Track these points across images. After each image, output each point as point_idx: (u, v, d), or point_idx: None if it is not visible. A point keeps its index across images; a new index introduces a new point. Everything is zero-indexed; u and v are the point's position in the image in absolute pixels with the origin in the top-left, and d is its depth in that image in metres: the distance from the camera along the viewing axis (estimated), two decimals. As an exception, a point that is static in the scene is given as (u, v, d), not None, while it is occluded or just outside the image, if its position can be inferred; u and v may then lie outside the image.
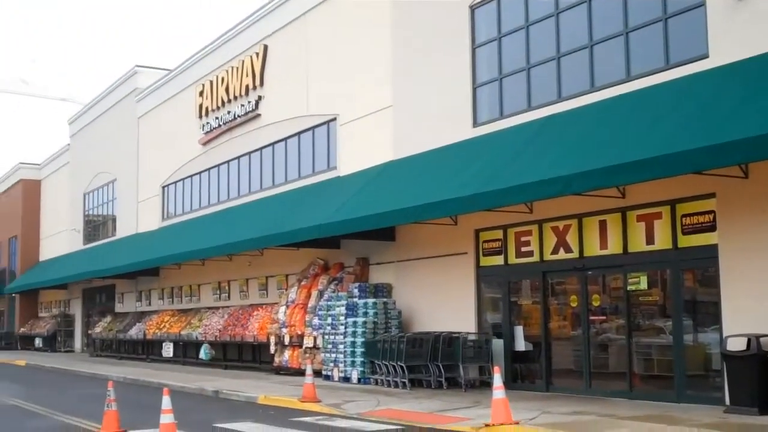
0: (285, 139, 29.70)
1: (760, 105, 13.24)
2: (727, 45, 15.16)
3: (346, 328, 22.86)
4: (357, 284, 23.69)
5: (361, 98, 25.26)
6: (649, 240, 16.80)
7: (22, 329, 58.13)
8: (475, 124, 21.00)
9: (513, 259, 20.08)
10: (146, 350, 38.59)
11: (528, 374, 19.91)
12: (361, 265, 25.06)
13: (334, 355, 23.27)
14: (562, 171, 15.71)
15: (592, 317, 18.13)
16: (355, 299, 23.11)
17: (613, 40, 17.63)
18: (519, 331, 19.87)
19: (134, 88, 43.02)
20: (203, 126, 34.99)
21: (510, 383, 18.23)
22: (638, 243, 17.02)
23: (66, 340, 52.26)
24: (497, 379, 14.10)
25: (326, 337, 23.69)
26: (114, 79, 47.02)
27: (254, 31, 31.59)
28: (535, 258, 19.38)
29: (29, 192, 60.34)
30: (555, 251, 18.87)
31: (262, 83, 30.90)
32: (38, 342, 53.89)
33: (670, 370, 16.38)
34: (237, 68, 32.40)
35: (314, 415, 16.69)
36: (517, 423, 13.69)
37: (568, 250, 18.53)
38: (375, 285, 23.80)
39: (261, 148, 31.25)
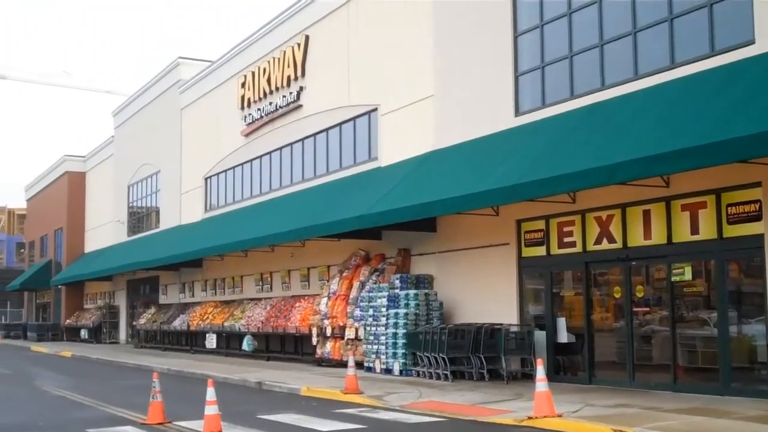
0: (326, 130, 29.71)
1: (809, 92, 12.97)
2: (774, 31, 14.87)
3: (387, 319, 22.83)
4: (398, 275, 23.63)
5: (403, 88, 25.18)
6: (694, 230, 16.56)
7: (68, 321, 58.88)
8: (517, 113, 20.83)
9: (555, 250, 19.90)
10: (190, 341, 38.91)
11: (570, 366, 19.74)
12: (403, 256, 25.01)
13: (375, 347, 23.25)
14: (606, 160, 15.52)
15: (635, 308, 17.92)
16: (397, 290, 23.07)
17: (657, 27, 17.38)
18: (562, 322, 19.70)
19: (177, 80, 43.32)
20: (245, 117, 35.12)
21: (552, 375, 18.07)
22: (682, 233, 16.77)
23: (111, 332, 52.85)
24: (540, 371, 14.00)
25: (368, 328, 23.68)
26: (157, 71, 47.40)
27: (295, 21, 31.60)
28: (578, 248, 19.19)
29: (74, 184, 61.04)
30: (598, 241, 18.66)
31: (303, 74, 30.92)
32: (84, 333, 54.56)
33: (715, 362, 16.16)
34: (279, 59, 32.45)
35: (357, 407, 16.68)
36: (560, 416, 13.58)
37: (611, 240, 18.31)
38: (416, 276, 23.74)
39: (302, 139, 31.30)
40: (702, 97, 15.38)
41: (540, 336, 19.98)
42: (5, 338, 63.14)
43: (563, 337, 19.63)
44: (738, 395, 15.32)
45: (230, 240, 31.34)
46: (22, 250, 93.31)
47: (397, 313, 22.52)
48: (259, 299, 33.61)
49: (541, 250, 20.26)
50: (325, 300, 26.72)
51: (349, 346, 24.75)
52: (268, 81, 33.18)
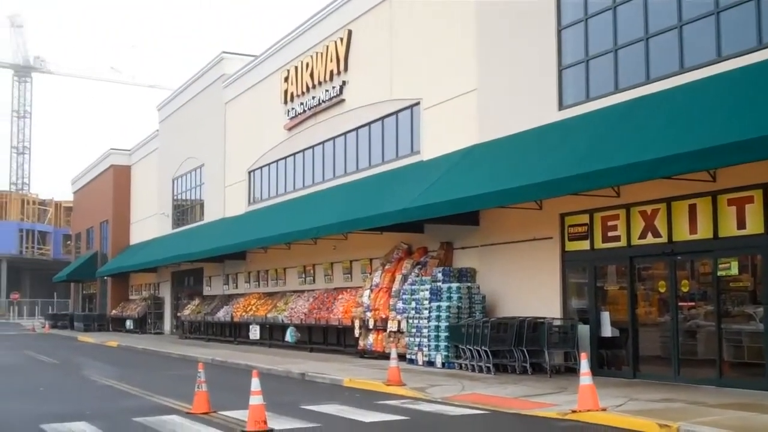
0: (369, 124, 29.81)
1: None
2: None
3: (430, 312, 22.89)
4: (441, 268, 23.68)
5: (445, 82, 25.19)
6: (740, 224, 16.42)
7: (113, 311, 59.66)
8: (561, 106, 20.75)
9: (599, 244, 19.81)
10: (233, 332, 39.26)
11: (614, 360, 19.67)
12: (445, 250, 25.05)
13: (418, 339, 23.33)
14: (651, 154, 15.43)
15: (680, 303, 17.80)
16: (439, 283, 23.11)
17: (704, 20, 17.21)
18: (605, 317, 19.62)
19: (221, 74, 43.65)
20: (288, 111, 35.33)
21: (596, 369, 18.00)
22: (729, 227, 16.64)
23: (156, 322, 53.48)
24: (584, 365, 13.99)
25: (410, 321, 23.76)
26: (200, 66, 47.79)
27: (338, 16, 31.72)
28: (622, 243, 19.10)
29: (120, 177, 61.80)
30: (643, 236, 18.56)
31: (346, 68, 31.04)
32: (129, 324, 55.26)
33: (761, 357, 16.02)
34: (321, 54, 32.59)
35: (399, 399, 16.77)
36: (604, 410, 13.57)
37: (656, 234, 18.20)
38: (459, 269, 23.76)
39: (345, 133, 31.43)
40: (749, 91, 15.23)
41: (583, 330, 19.92)
42: (52, 328, 64.07)
43: (607, 331, 19.55)
44: (784, 391, 15.20)
45: (273, 233, 31.57)
46: (69, 242, 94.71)
47: (439, 306, 22.58)
48: (302, 291, 33.82)
49: (584, 244, 20.19)
50: (367, 292, 26.85)
51: (391, 339, 24.85)
52: (311, 75, 33.34)
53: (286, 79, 35.50)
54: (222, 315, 39.84)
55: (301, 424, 13.53)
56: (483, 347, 20.66)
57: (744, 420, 12.49)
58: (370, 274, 28.10)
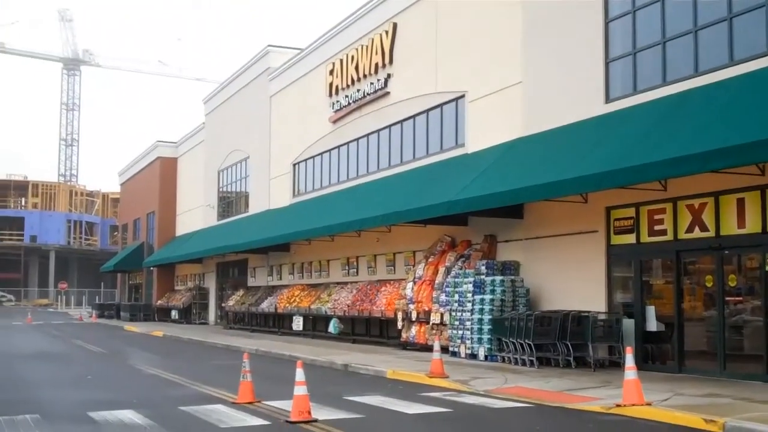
0: (413, 117, 29.81)
1: None
2: None
3: (473, 305, 22.87)
4: (484, 261, 23.64)
5: (491, 75, 25.10)
6: (790, 219, 16.20)
7: (159, 302, 60.31)
8: (608, 99, 20.59)
9: (645, 238, 19.64)
10: (277, 323, 39.53)
11: (659, 355, 19.50)
12: (489, 243, 25.00)
13: (461, 332, 23.32)
14: (699, 148, 15.27)
15: (727, 298, 17.61)
16: (483, 276, 23.08)
17: (754, 12, 16.97)
18: (651, 311, 19.46)
19: (267, 68, 43.91)
20: (333, 104, 35.44)
21: (640, 364, 17.81)
22: (778, 222, 16.42)
23: (200, 313, 54.01)
24: (629, 359, 13.90)
25: (453, 313, 23.76)
26: (246, 60, 48.08)
27: (383, 9, 31.74)
28: (669, 237, 18.92)
29: (166, 169, 62.42)
30: (690, 230, 18.37)
31: (391, 61, 31.05)
32: (174, 314, 55.84)
33: (810, 353, 15.80)
34: (366, 47, 32.64)
35: (442, 391, 16.80)
36: (649, 404, 13.47)
37: (703, 228, 18.01)
38: (502, 262, 23.71)
39: (389, 126, 31.45)
40: (800, 83, 15.01)
41: (628, 324, 19.78)
42: (99, 318, 64.92)
43: (652, 325, 19.40)
44: (833, 388, 14.99)
45: (317, 225, 31.71)
46: (116, 233, 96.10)
47: (482, 299, 22.55)
48: (345, 283, 33.95)
49: (630, 238, 20.03)
50: (410, 285, 26.88)
51: (434, 331, 24.87)
52: (356, 68, 33.40)
53: (331, 72, 35.60)
54: (266, 306, 40.11)
55: (344, 415, 13.59)
56: (526, 340, 20.60)
57: (792, 416, 12.34)
58: (414, 266, 28.13)
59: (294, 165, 40.32)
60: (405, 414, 13.86)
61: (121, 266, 68.13)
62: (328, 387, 17.53)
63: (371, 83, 32.23)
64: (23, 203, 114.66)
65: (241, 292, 45.50)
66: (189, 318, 54.02)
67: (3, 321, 58.13)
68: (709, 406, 13.41)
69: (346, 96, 34.22)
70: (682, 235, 18.57)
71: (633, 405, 13.45)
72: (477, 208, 22.39)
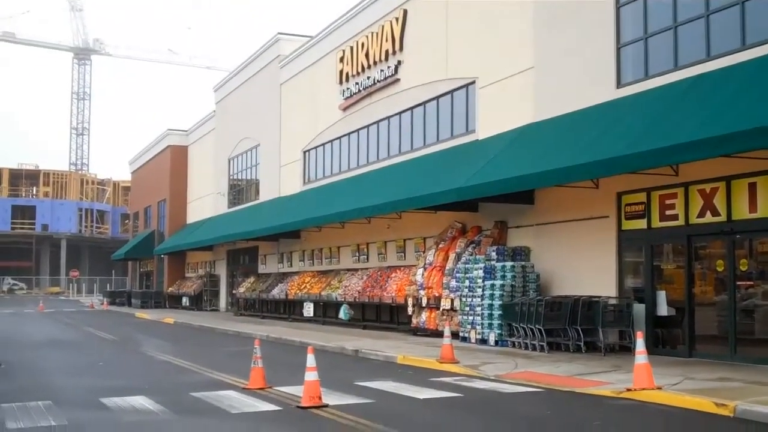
0: (423, 104, 29.76)
1: None
2: None
3: (483, 290, 22.87)
4: (495, 247, 23.63)
5: (501, 61, 25.03)
6: (802, 203, 16.13)
7: (170, 289, 60.52)
8: (619, 84, 20.52)
9: (656, 223, 19.60)
10: (288, 310, 39.62)
11: (670, 339, 19.48)
12: (499, 229, 24.97)
13: (471, 318, 23.33)
14: (711, 132, 15.21)
15: (738, 282, 17.56)
16: (493, 262, 23.07)
17: (766, -5, 16.88)
18: (662, 296, 19.42)
19: (277, 55, 43.89)
20: (343, 91, 35.40)
21: (651, 348, 17.76)
22: (790, 206, 16.36)
23: (211, 300, 54.15)
24: (640, 343, 13.89)
25: (463, 299, 23.77)
26: (256, 47, 48.05)
27: (393, -5, 31.67)
28: (680, 221, 18.87)
29: (177, 157, 62.50)
30: (701, 215, 18.32)
31: (401, 48, 30.99)
32: (185, 301, 56.03)
33: (822, 338, 15.75)
34: (377, 33, 32.58)
35: (453, 376, 16.82)
36: (659, 388, 13.47)
37: (715, 213, 17.96)
38: (513, 248, 23.70)
39: (400, 113, 31.42)
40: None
41: (639, 309, 19.76)
42: (110, 305, 65.15)
43: (663, 310, 19.36)
44: None
45: (328, 212, 31.73)
46: (127, 221, 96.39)
47: (493, 285, 22.55)
48: (356, 269, 34.00)
49: (641, 223, 19.99)
50: (421, 271, 26.89)
51: (444, 317, 24.89)
52: (366, 55, 33.35)
53: (342, 60, 35.56)
54: (276, 293, 40.20)
55: (355, 400, 13.62)
56: (537, 325, 20.61)
57: (803, 400, 12.32)
58: (424, 252, 28.14)
59: (304, 152, 40.33)
60: (415, 399, 13.89)
61: (132, 254, 68.37)
62: (339, 373, 17.59)
63: (381, 70, 32.18)
64: (35, 192, 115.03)
65: (251, 279, 45.61)
66: (200, 305, 54.18)
67: (15, 309, 58.39)
68: (720, 389, 13.40)
69: (357, 83, 34.17)
70: (694, 219, 18.52)
71: (643, 389, 13.45)
72: (487, 194, 22.36)
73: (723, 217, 17.75)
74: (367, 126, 33.97)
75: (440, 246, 26.82)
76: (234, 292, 48.42)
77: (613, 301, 20.12)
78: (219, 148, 54.13)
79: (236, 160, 51.18)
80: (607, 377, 15.52)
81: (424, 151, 29.31)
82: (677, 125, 16.66)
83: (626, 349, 19.51)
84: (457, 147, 27.02)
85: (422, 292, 26.42)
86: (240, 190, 50.97)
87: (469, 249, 25.23)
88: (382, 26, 32.13)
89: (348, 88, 34.99)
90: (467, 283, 23.69)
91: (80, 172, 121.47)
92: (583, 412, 12.80)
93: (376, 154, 33.35)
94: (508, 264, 22.70)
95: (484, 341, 22.69)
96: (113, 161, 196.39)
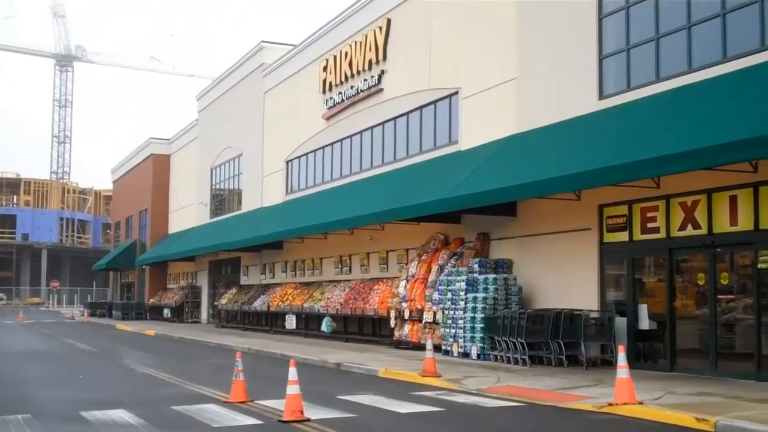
0: (407, 114, 29.75)
1: None
2: None
3: (466, 303, 22.82)
4: (477, 259, 23.58)
5: (485, 71, 25.04)
6: (783, 217, 16.15)
7: (151, 300, 60.21)
8: (601, 96, 20.55)
9: (638, 236, 19.61)
10: (270, 322, 39.44)
11: (651, 353, 19.47)
12: (482, 240, 24.95)
13: (453, 330, 23.27)
14: (693, 145, 15.22)
15: (719, 296, 17.57)
16: (476, 274, 23.02)
17: (747, 8, 16.92)
18: (643, 309, 19.41)
19: (260, 64, 43.80)
20: (327, 101, 35.35)
21: (632, 362, 17.72)
22: (771, 220, 16.37)
23: (193, 311, 53.89)
24: (621, 358, 13.85)
25: (446, 312, 23.69)
26: (240, 56, 47.95)
27: (377, 5, 31.65)
28: (662, 234, 18.88)
29: (159, 166, 62.29)
30: (682, 227, 18.34)
31: (384, 57, 30.98)
32: (166, 312, 55.72)
33: (803, 352, 15.76)
34: (360, 43, 32.56)
35: (435, 390, 16.74)
36: (641, 403, 13.43)
37: (696, 226, 17.98)
38: (495, 260, 23.65)
39: (383, 123, 31.39)
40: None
41: (621, 322, 19.75)
42: (91, 316, 64.78)
43: (644, 323, 19.35)
44: (826, 386, 14.95)
45: (310, 222, 31.63)
46: (108, 231, 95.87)
47: (475, 297, 22.50)
48: (338, 281, 33.89)
49: (623, 236, 19.99)
50: (403, 283, 26.82)
51: (427, 330, 24.80)
52: (350, 65, 33.32)
53: (325, 69, 35.52)
54: (258, 304, 40.04)
55: (337, 414, 13.53)
56: (519, 339, 20.56)
57: (784, 415, 12.30)
58: (407, 264, 28.07)
59: (287, 162, 40.23)
60: (397, 413, 13.80)
61: (114, 264, 68.02)
62: (321, 386, 17.48)
63: (365, 80, 32.15)
64: (15, 201, 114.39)
65: (233, 291, 45.41)
66: (181, 317, 53.87)
67: (-5, 319, 57.96)
68: (701, 404, 13.37)
69: (340, 93, 34.13)
70: (675, 232, 18.54)
71: (625, 404, 13.41)
72: (470, 206, 22.34)
73: (704, 230, 17.77)
74: (350, 136, 33.91)
75: (423, 258, 26.76)
76: (216, 303, 48.20)
77: (594, 315, 20.10)
78: (201, 158, 53.95)
79: (219, 170, 51.02)
80: (589, 392, 15.48)
81: (407, 161, 29.27)
82: (659, 137, 16.67)
83: (608, 363, 19.48)
84: (440, 158, 26.99)
85: (405, 305, 26.34)
86: (222, 200, 50.80)
87: (452, 261, 25.18)
88: (366, 35, 32.12)
89: (331, 98, 34.93)
90: (450, 295, 23.63)
91: (61, 180, 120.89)
92: (564, 426, 12.76)
93: (359, 164, 33.29)
94: (491, 276, 22.65)
95: (466, 354, 22.62)
96: (95, 170, 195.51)
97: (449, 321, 23.50)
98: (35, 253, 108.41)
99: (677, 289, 18.87)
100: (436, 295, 24.64)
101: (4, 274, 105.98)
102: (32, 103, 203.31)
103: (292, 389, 13.01)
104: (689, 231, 18.16)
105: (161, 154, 62.54)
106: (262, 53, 43.91)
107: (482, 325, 22.20)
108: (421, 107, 28.84)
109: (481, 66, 25.25)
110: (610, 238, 20.41)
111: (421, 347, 22.52)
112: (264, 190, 42.84)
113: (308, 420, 12.73)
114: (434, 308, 24.65)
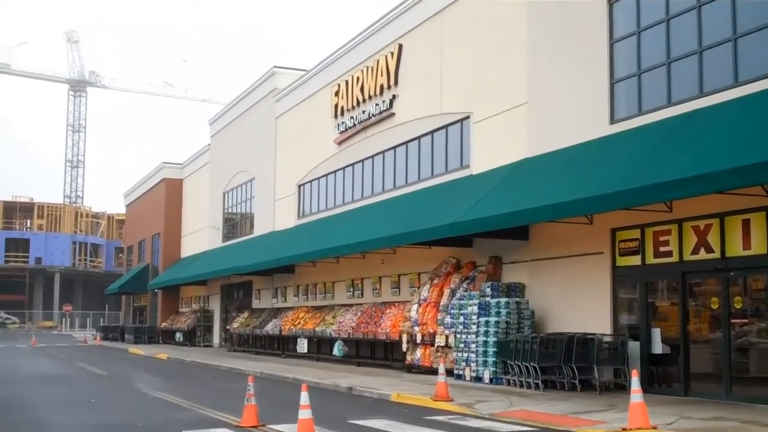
0: (418, 138, 29.81)
1: None
2: None
3: (478, 327, 22.76)
4: (489, 283, 23.55)
5: (496, 96, 25.11)
6: (797, 241, 16.10)
7: (163, 324, 60.13)
8: (612, 120, 20.57)
9: (651, 259, 19.57)
10: (281, 346, 39.38)
11: (665, 378, 19.36)
12: (494, 264, 24.92)
13: (466, 355, 23.20)
14: (705, 169, 15.21)
15: (732, 320, 17.49)
16: (488, 298, 22.98)
17: (759, 33, 16.95)
18: (657, 333, 19.33)
19: (273, 89, 44.01)
20: (338, 125, 35.47)
21: (646, 386, 17.66)
22: (784, 243, 16.33)
23: (205, 335, 53.81)
24: (635, 382, 13.80)
25: (458, 336, 23.64)
26: (252, 81, 48.20)
27: (389, 30, 31.81)
28: (674, 258, 18.84)
29: (172, 191, 62.43)
30: (695, 251, 18.29)
31: (396, 82, 31.10)
32: (179, 336, 55.62)
33: (818, 376, 15.66)
34: (372, 68, 32.70)
35: (447, 414, 16.68)
36: (654, 428, 13.37)
37: (709, 250, 17.93)
38: (508, 284, 23.61)
39: (394, 147, 31.45)
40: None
41: (634, 346, 19.65)
42: (104, 340, 64.76)
43: (658, 347, 19.27)
44: (841, 411, 14.84)
45: (322, 246, 31.65)
46: (121, 255, 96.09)
47: (487, 321, 22.45)
48: (350, 305, 33.85)
49: (636, 260, 19.95)
50: (415, 307, 26.78)
51: (439, 354, 24.75)
52: (362, 89, 33.46)
53: (337, 93, 35.67)
54: (270, 328, 40.00)
55: (348, 438, 13.52)
56: (532, 363, 20.49)
57: (800, 440, 12.23)
58: (418, 288, 28.05)
59: (299, 186, 40.33)
60: (409, 438, 13.78)
61: (126, 288, 68.05)
62: (333, 410, 17.45)
63: (376, 104, 32.27)
64: (29, 225, 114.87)
65: (245, 314, 45.39)
66: (193, 340, 53.81)
67: (7, 343, 58.07)
68: (715, 429, 13.31)
69: (352, 117, 34.25)
70: (688, 256, 18.49)
71: (639, 429, 13.34)
72: (482, 230, 22.32)
73: (717, 254, 17.72)
74: (362, 160, 33.99)
75: (435, 282, 26.74)
76: (228, 327, 48.17)
77: (608, 339, 20.01)
78: (214, 182, 54.13)
79: (231, 194, 51.17)
80: (603, 416, 15.39)
81: (419, 185, 29.31)
82: (671, 161, 16.67)
83: (621, 387, 19.39)
84: (452, 182, 27.01)
85: (417, 329, 26.29)
86: (234, 224, 50.90)
87: (464, 285, 25.14)
88: (378, 60, 32.26)
89: (343, 122, 35.05)
90: (462, 319, 23.58)
91: (74, 205, 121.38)
92: (578, 452, 12.69)
93: (370, 188, 33.35)
94: (503, 300, 22.61)
95: (479, 379, 22.54)
96: (108, 194, 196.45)
97: (461, 345, 23.44)
98: (48, 277, 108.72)
99: (690, 313, 18.80)
100: (448, 319, 24.59)
101: (17, 298, 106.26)
102: (46, 128, 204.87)
103: (304, 413, 12.99)
104: (702, 255, 18.12)
105: (174, 178, 62.75)
106: (275, 78, 44.14)
107: (495, 349, 22.13)
108: (432, 131, 28.91)
109: (492, 91, 25.32)
110: (623, 261, 20.37)
111: (434, 371, 22.45)
112: (276, 214, 42.92)
113: (320, 444, 12.73)
114: (446, 332, 24.60)
